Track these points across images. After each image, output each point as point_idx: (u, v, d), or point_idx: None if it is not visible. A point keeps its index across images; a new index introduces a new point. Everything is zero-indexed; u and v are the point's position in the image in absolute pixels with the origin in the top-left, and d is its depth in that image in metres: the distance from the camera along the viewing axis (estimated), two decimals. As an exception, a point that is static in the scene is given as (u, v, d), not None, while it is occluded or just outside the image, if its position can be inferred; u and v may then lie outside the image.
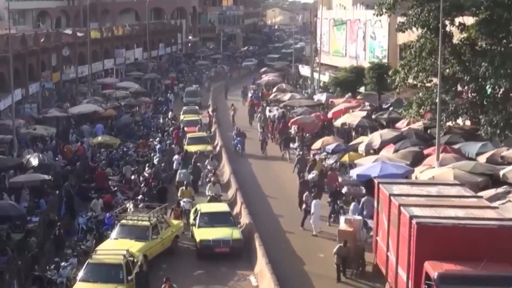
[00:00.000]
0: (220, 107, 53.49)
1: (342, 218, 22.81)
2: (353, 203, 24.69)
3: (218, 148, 38.99)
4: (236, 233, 23.03)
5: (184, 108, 50.10)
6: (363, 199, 25.00)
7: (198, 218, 23.94)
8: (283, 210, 27.84)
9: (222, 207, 25.41)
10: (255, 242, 22.43)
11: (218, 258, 22.40)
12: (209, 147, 37.50)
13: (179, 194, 27.54)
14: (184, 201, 26.79)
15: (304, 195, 26.03)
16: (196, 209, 25.10)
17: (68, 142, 38.26)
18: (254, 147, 38.89)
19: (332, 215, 25.72)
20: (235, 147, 38.51)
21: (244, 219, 25.23)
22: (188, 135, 39.29)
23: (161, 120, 46.84)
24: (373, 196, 23.99)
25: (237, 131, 39.53)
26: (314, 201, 25.42)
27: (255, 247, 22.21)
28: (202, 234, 22.99)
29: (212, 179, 29.31)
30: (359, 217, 22.65)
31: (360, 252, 20.92)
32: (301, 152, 35.16)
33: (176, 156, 34.06)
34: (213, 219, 23.80)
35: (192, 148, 36.23)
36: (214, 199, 27.45)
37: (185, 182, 28.63)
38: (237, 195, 28.21)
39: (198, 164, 32.47)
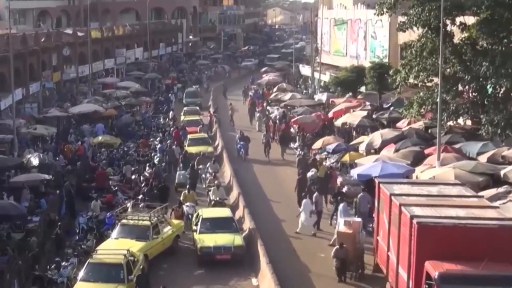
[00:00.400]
0: (220, 107, 53.46)
1: (341, 220, 22.53)
2: (342, 204, 24.37)
3: (219, 149, 38.69)
4: (238, 240, 22.42)
5: (185, 109, 49.88)
6: (358, 196, 25.10)
7: (199, 223, 23.35)
8: (284, 211, 27.64)
9: (224, 212, 24.69)
10: (257, 246, 22.05)
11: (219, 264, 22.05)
12: (210, 149, 37.13)
13: (181, 198, 27.04)
14: (187, 205, 26.29)
15: (314, 195, 25.99)
16: (198, 214, 24.51)
17: (68, 142, 38.27)
18: (255, 149, 38.05)
19: (335, 216, 25.63)
20: (238, 152, 37.45)
21: (247, 224, 24.77)
22: (189, 136, 38.97)
23: (161, 120, 46.83)
24: (368, 194, 24.13)
25: (241, 135, 38.42)
26: (304, 200, 25.45)
27: (257, 251, 21.88)
28: (203, 240, 22.46)
29: (216, 182, 28.69)
30: (359, 219, 22.49)
31: (359, 254, 20.75)
32: (302, 153, 35.01)
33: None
34: (214, 225, 23.18)
35: (193, 150, 35.86)
36: (219, 203, 26.79)
37: (187, 186, 28.31)
38: (240, 199, 27.64)
39: (201, 166, 32.14)
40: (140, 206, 25.61)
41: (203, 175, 31.53)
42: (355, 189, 26.92)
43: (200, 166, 32.24)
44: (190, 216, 25.62)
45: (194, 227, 23.75)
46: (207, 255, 22.11)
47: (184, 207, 26.25)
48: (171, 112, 49.03)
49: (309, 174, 29.47)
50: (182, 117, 46.72)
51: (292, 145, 38.69)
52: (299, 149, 37.61)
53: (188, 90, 58.85)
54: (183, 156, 34.24)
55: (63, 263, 20.48)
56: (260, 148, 37.87)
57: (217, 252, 22.03)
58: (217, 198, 27.07)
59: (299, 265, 22.26)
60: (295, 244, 24.11)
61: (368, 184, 25.43)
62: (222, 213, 24.52)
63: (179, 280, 21.27)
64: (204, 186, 30.57)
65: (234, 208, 26.99)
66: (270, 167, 35.86)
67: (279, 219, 26.97)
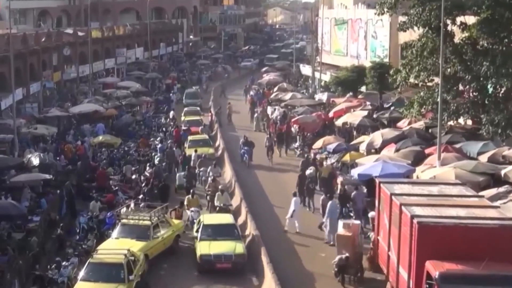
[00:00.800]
0: (221, 107, 53.38)
1: (340, 223, 22.14)
2: (330, 202, 24.24)
3: (220, 150, 38.23)
4: (239, 248, 21.71)
5: (186, 109, 49.55)
6: (353, 193, 25.14)
7: (200, 230, 22.71)
8: (286, 213, 26.85)
9: (226, 218, 23.87)
10: (259, 250, 21.73)
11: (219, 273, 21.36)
12: (211, 150, 36.35)
13: (185, 202, 26.45)
14: (192, 210, 25.68)
15: (321, 199, 25.82)
16: (199, 220, 23.83)
17: (67, 141, 38.29)
18: (256, 152, 36.68)
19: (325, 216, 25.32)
20: (242, 157, 36.09)
21: (249, 229, 24.29)
22: (190, 138, 38.39)
23: (162, 120, 46.78)
24: (368, 193, 24.09)
25: (245, 140, 36.91)
26: (294, 198, 25.40)
27: (259, 253, 21.60)
28: (203, 247, 21.82)
29: (220, 187, 27.81)
30: (358, 222, 22.28)
31: (358, 257, 20.56)
32: (306, 155, 34.64)
33: (193, 154, 33.79)
34: (216, 232, 22.51)
35: (193, 151, 35.07)
36: (223, 209, 26.02)
37: (191, 190, 27.85)
38: (242, 203, 27.10)
39: (202, 168, 31.67)
40: (141, 206, 25.59)
41: (203, 178, 30.97)
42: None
43: (202, 168, 31.81)
44: (194, 221, 24.92)
45: (195, 234, 23.16)
46: (207, 263, 21.52)
47: (188, 212, 25.76)
48: (171, 112, 49.03)
49: (308, 172, 29.47)
50: (183, 118, 46.40)
51: (293, 145, 38.63)
52: (299, 149, 37.65)
53: (188, 91, 58.33)
54: (182, 157, 34.02)
55: (64, 263, 20.47)
56: (261, 151, 36.80)
57: (217, 260, 21.42)
58: (221, 204, 26.44)
59: (299, 265, 22.23)
60: (296, 244, 24.09)
61: (368, 184, 25.44)
62: (224, 220, 23.75)
63: (179, 280, 21.28)
64: (205, 188, 29.63)
65: (236, 213, 26.50)
66: (273, 171, 34.90)
67: (280, 220, 26.76)
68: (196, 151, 34.40)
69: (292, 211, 25.24)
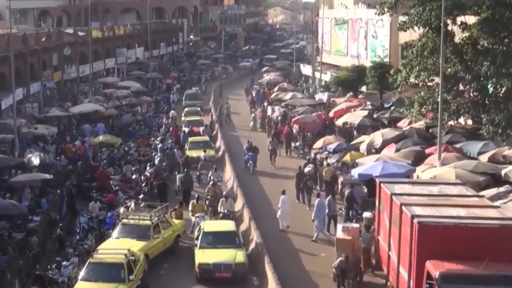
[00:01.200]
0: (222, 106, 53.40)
1: (339, 226, 21.90)
2: (317, 200, 24.10)
3: (220, 152, 38.01)
4: (240, 256, 20.99)
5: (186, 109, 49.47)
6: (351, 189, 25.10)
7: (200, 237, 22.03)
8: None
9: (228, 226, 23.09)
10: (263, 257, 21.32)
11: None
12: (211, 152, 35.86)
13: (190, 208, 26.05)
14: (197, 216, 24.99)
15: (327, 200, 25.71)
16: (200, 227, 23.16)
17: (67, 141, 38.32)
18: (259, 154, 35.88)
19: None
20: (246, 163, 34.89)
21: (253, 235, 23.78)
22: (190, 139, 38.13)
23: (164, 120, 46.74)
24: (369, 193, 24.08)
25: (249, 145, 35.91)
26: (282, 197, 25.42)
27: (262, 260, 21.22)
28: (202, 256, 21.18)
29: (224, 193, 27.34)
30: (357, 225, 22.13)
31: (358, 261, 20.47)
32: (307, 157, 34.34)
33: (202, 154, 33.63)
34: (216, 240, 21.86)
35: (194, 153, 34.89)
36: (226, 216, 25.27)
37: (196, 196, 27.44)
38: (244, 209, 26.54)
39: (203, 172, 31.30)
40: (141, 205, 25.59)
41: (204, 181, 30.54)
42: (357, 189, 26.93)
43: (203, 171, 31.54)
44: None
45: (195, 241, 22.51)
46: (205, 272, 20.89)
47: (193, 219, 25.31)
48: (172, 111, 48.99)
49: (306, 169, 29.45)
50: (183, 118, 46.31)
51: (294, 144, 38.63)
52: (300, 149, 37.61)
53: (188, 93, 57.74)
54: (183, 160, 33.80)
55: (64, 263, 20.48)
56: (262, 154, 35.83)
57: (217, 269, 20.79)
58: (225, 211, 25.65)
59: (300, 264, 22.24)
60: (296, 244, 24.08)
61: (368, 184, 25.41)
62: (225, 227, 23.01)
63: (179, 280, 21.27)
64: (205, 192, 28.92)
65: (238, 218, 26.06)
66: (275, 175, 34.15)
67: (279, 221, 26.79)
68: (205, 151, 34.13)
69: (278, 208, 25.25)
